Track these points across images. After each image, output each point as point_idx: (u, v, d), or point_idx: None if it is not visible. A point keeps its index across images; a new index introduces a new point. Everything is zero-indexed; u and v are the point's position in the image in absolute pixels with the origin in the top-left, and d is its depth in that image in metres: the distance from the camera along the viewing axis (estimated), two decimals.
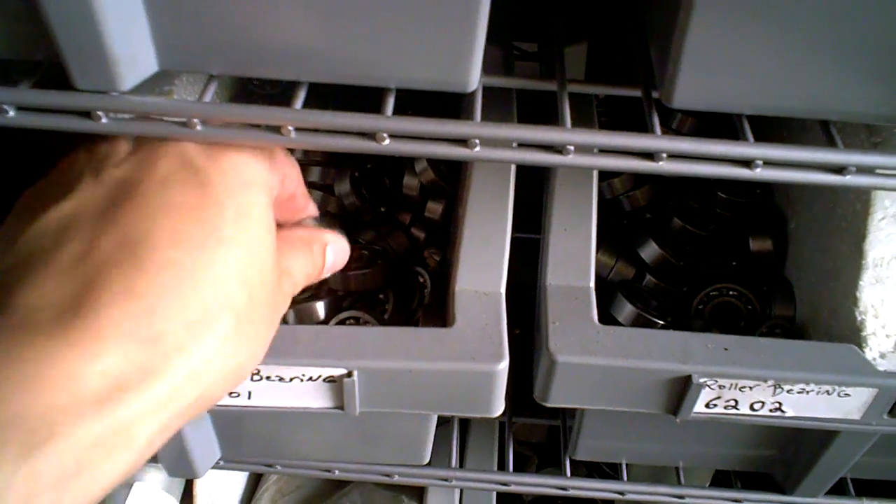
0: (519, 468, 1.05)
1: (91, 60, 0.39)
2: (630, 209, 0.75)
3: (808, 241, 0.66)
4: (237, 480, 0.89)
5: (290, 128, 0.42)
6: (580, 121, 0.56)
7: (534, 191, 0.64)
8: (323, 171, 0.71)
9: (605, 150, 0.43)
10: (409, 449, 0.65)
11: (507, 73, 0.58)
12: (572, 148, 0.42)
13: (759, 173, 0.43)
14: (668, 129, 0.74)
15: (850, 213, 0.58)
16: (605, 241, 0.71)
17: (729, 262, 0.73)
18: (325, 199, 0.70)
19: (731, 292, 0.69)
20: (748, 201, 0.72)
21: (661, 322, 0.65)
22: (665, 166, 0.43)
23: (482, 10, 0.38)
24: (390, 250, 0.66)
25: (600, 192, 0.74)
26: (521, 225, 0.65)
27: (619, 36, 0.65)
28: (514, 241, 0.56)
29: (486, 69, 0.51)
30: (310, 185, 0.71)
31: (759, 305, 0.68)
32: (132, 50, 0.40)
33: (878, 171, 0.44)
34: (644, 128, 0.44)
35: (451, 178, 0.66)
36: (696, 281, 0.71)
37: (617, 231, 0.74)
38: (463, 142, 0.43)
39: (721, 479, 0.79)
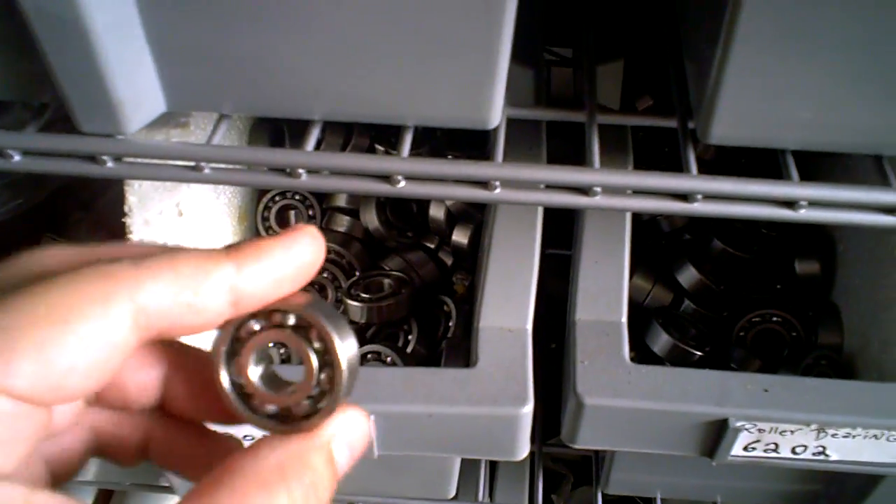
0: (554, 488, 1.03)
1: (95, 103, 0.38)
2: (668, 230, 0.71)
3: (859, 268, 0.62)
4: None
5: (301, 171, 0.40)
6: (612, 155, 0.53)
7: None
8: (350, 195, 0.69)
9: (637, 191, 0.40)
10: (434, 483, 0.63)
11: (536, 97, 0.55)
12: (599, 189, 0.39)
13: (804, 215, 0.39)
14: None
15: None
16: (642, 264, 0.68)
17: (773, 285, 0.69)
18: (351, 225, 0.68)
19: (774, 318, 0.66)
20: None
21: (699, 353, 0.62)
22: (700, 208, 0.40)
23: (502, 49, 0.36)
24: (416, 277, 0.64)
25: (637, 213, 0.71)
26: (558, 241, 0.62)
27: (656, 56, 0.62)
28: (550, 258, 0.53)
29: (514, 96, 0.49)
30: (336, 210, 0.69)
31: (804, 333, 0.65)
32: (137, 92, 0.39)
33: None
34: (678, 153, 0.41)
35: (479, 204, 0.64)
36: (738, 306, 0.68)
37: (654, 253, 0.71)
38: (483, 183, 0.40)
39: None
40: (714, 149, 0.72)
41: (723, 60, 0.36)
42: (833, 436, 0.50)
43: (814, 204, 0.39)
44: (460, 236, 0.64)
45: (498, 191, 0.40)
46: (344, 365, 0.25)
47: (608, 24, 0.62)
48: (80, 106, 0.38)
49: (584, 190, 0.40)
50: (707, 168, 0.70)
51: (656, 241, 0.72)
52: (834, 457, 0.52)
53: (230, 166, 0.41)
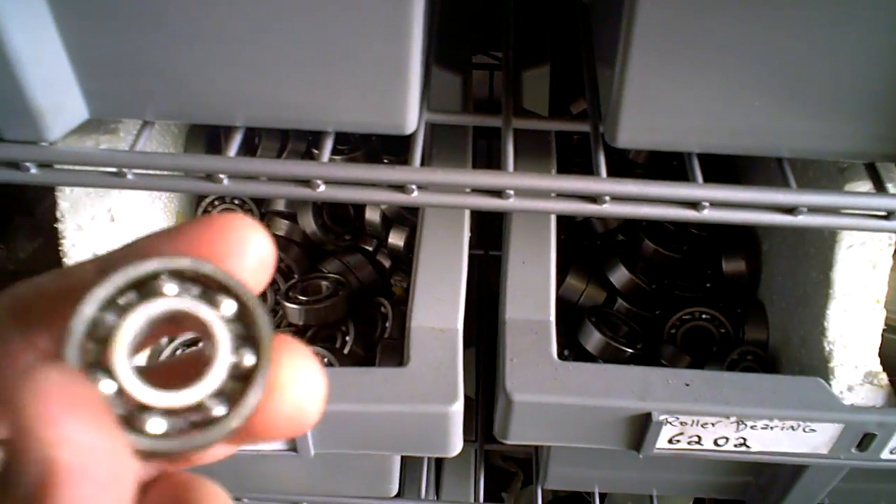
0: (503, 486, 1.05)
1: (14, 110, 0.38)
2: (602, 231, 0.73)
3: (780, 265, 0.64)
4: None
5: (223, 176, 0.41)
6: (536, 158, 0.55)
7: None
8: (287, 199, 0.69)
9: (550, 193, 0.42)
10: (376, 482, 0.64)
11: (464, 102, 0.56)
12: (512, 192, 0.41)
13: (707, 215, 0.41)
14: (626, 160, 0.73)
15: (819, 240, 0.57)
16: (576, 264, 0.70)
17: (703, 284, 0.71)
18: (290, 229, 0.68)
19: (703, 316, 0.68)
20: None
21: (630, 350, 0.64)
22: (609, 209, 0.41)
23: (412, 59, 0.37)
24: (354, 280, 0.65)
25: (569, 216, 0.72)
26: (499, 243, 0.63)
27: (577, 63, 0.64)
28: (493, 259, 0.54)
29: (441, 101, 0.50)
30: (275, 214, 0.70)
31: (732, 329, 0.67)
32: (58, 99, 0.39)
33: (835, 210, 0.42)
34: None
35: (414, 208, 0.65)
36: (669, 304, 0.69)
37: (588, 254, 0.72)
38: (401, 188, 0.41)
39: None
40: (646, 152, 0.74)
41: (623, 69, 0.37)
42: (752, 427, 0.52)
43: (716, 204, 0.41)
44: (396, 239, 0.65)
45: (415, 194, 0.41)
46: (267, 322, 0.20)
47: (532, 30, 0.63)
48: (0, 113, 0.39)
49: (499, 193, 0.42)
50: (644, 171, 0.73)
51: (590, 242, 0.74)
52: (755, 448, 0.54)
53: (155, 172, 0.42)
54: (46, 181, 0.41)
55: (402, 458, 0.69)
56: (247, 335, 0.20)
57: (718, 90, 0.39)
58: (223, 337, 0.19)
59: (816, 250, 0.57)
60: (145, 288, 0.20)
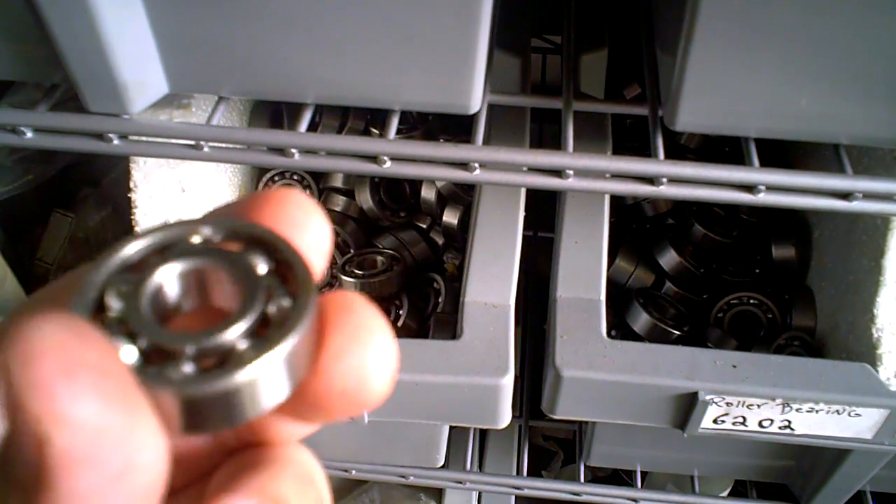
0: (544, 465, 1.06)
1: (101, 85, 0.41)
2: (652, 214, 0.74)
3: (831, 252, 0.65)
4: None
5: (294, 150, 0.43)
6: (592, 140, 0.56)
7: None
8: (345, 176, 0.71)
9: (606, 174, 0.43)
10: (423, 452, 0.66)
11: (522, 84, 0.57)
12: (572, 172, 0.42)
13: (762, 198, 0.42)
14: (678, 145, 0.73)
15: (871, 227, 0.57)
16: (626, 247, 0.71)
17: (751, 269, 0.72)
18: (346, 205, 0.71)
19: (751, 301, 0.68)
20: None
21: (677, 332, 0.65)
22: (666, 191, 0.42)
23: (480, 40, 0.38)
24: (408, 256, 0.67)
25: (622, 198, 0.73)
26: (550, 225, 0.65)
27: (635, 47, 0.65)
28: (543, 241, 0.55)
29: (500, 82, 0.51)
30: (333, 190, 0.72)
31: (779, 315, 0.67)
32: (142, 74, 0.41)
33: (889, 197, 0.43)
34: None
35: (467, 186, 0.67)
36: (717, 288, 0.70)
37: (638, 237, 0.73)
38: (464, 165, 0.43)
39: (738, 490, 0.78)
40: (700, 136, 0.74)
41: (685, 53, 0.38)
42: (797, 410, 0.53)
43: (772, 189, 0.42)
44: (450, 217, 0.67)
45: (477, 172, 0.43)
46: (307, 266, 0.17)
47: (591, 14, 0.64)
48: (87, 87, 0.41)
49: (557, 172, 0.43)
50: (696, 156, 0.73)
51: (640, 225, 0.75)
52: (799, 430, 0.55)
53: (228, 145, 0.44)
54: (129, 152, 0.44)
55: (449, 431, 0.71)
56: (286, 287, 0.18)
57: (777, 76, 0.39)
58: (258, 285, 0.17)
59: (868, 237, 0.58)
60: (177, 248, 0.18)
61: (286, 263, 0.18)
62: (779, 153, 0.71)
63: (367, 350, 0.17)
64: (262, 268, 0.18)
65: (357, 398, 0.17)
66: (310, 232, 0.19)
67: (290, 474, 0.19)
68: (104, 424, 0.14)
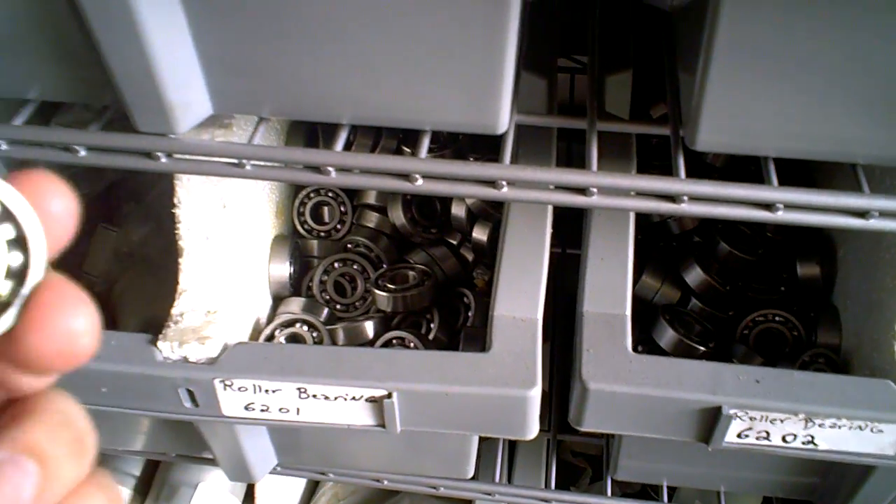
0: (573, 481, 1.07)
1: (150, 106, 0.43)
2: (678, 232, 0.75)
3: (856, 270, 0.66)
4: (296, 484, 0.93)
5: (331, 168, 0.45)
6: (616, 159, 0.58)
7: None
8: (378, 193, 0.74)
9: (630, 192, 0.45)
10: (454, 463, 0.67)
11: (549, 105, 0.59)
12: (595, 190, 0.44)
13: (781, 216, 0.44)
14: (704, 164, 0.75)
15: (894, 245, 0.58)
16: (652, 264, 0.72)
17: (777, 287, 0.73)
18: (380, 221, 0.73)
19: (776, 318, 0.69)
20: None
21: (702, 348, 0.66)
22: (686, 208, 0.44)
23: (507, 64, 0.40)
24: (439, 271, 0.69)
25: (649, 216, 0.75)
26: (578, 243, 0.67)
27: (659, 68, 0.66)
28: (571, 257, 0.57)
29: (528, 103, 0.53)
30: (366, 207, 0.74)
31: (804, 332, 0.68)
32: (188, 96, 0.44)
33: None
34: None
35: (497, 204, 0.69)
36: (743, 305, 0.71)
37: (664, 254, 0.75)
38: (492, 183, 0.45)
39: None
40: (725, 156, 0.75)
41: (704, 74, 0.40)
42: (820, 426, 0.54)
43: (790, 207, 0.43)
44: (480, 233, 0.69)
45: (504, 189, 0.45)
46: (36, 222, 0.22)
47: (616, 35, 0.66)
48: (137, 108, 0.44)
49: (582, 190, 0.45)
50: (720, 174, 0.74)
51: (667, 243, 0.76)
52: (822, 446, 0.55)
53: (268, 164, 0.47)
54: (176, 169, 0.46)
55: (479, 444, 0.72)
56: (16, 237, 0.21)
57: (795, 97, 0.41)
58: None
59: (892, 256, 0.58)
60: None
61: (12, 214, 0.21)
62: (804, 170, 0.73)
63: (75, 317, 0.22)
64: (3, 227, 0.21)
65: (68, 353, 0.21)
66: (55, 199, 0.22)
67: (43, 420, 0.22)
68: None
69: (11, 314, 0.21)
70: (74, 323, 0.22)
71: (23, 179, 0.22)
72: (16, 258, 0.21)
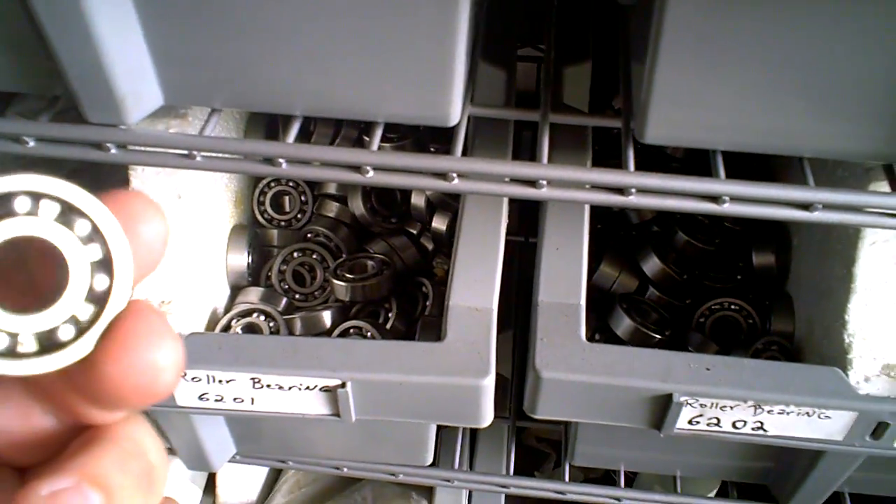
0: (537, 466, 1.08)
1: (99, 96, 0.43)
2: (638, 221, 0.76)
3: (808, 260, 0.67)
4: (258, 473, 0.93)
5: (281, 160, 0.45)
6: (572, 151, 0.58)
7: None
8: (339, 184, 0.74)
9: (582, 185, 0.45)
10: (412, 451, 0.68)
11: (507, 96, 0.60)
12: (545, 182, 0.44)
13: (727, 209, 0.44)
14: (665, 155, 0.76)
15: (844, 237, 0.59)
16: (610, 253, 0.73)
17: (733, 276, 0.74)
18: (339, 211, 0.73)
19: (732, 306, 0.70)
20: None
21: (658, 336, 0.67)
22: (635, 201, 0.44)
23: (457, 53, 0.41)
24: (398, 260, 0.69)
25: (608, 206, 0.75)
26: (534, 230, 0.67)
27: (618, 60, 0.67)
28: (531, 246, 0.57)
29: (485, 95, 0.54)
30: (326, 197, 0.74)
31: (759, 320, 0.69)
32: (138, 87, 0.44)
33: (853, 208, 0.45)
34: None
35: (456, 194, 0.69)
36: (699, 294, 0.72)
37: (623, 243, 0.75)
38: (443, 175, 0.45)
39: (720, 490, 0.80)
40: (685, 148, 0.76)
41: (651, 68, 0.41)
42: (769, 412, 0.55)
43: (736, 199, 0.44)
44: (439, 223, 0.69)
45: (455, 182, 0.45)
46: (125, 245, 0.20)
47: (575, 27, 0.66)
48: (87, 99, 0.43)
49: (533, 183, 0.45)
50: (681, 165, 0.75)
51: (625, 232, 0.77)
52: (771, 432, 0.56)
53: (220, 155, 0.46)
54: (125, 161, 0.46)
55: (438, 431, 0.73)
56: (103, 259, 0.20)
57: (742, 90, 0.41)
58: (77, 258, 0.19)
59: (841, 246, 0.59)
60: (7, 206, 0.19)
61: (102, 233, 0.20)
62: (764, 166, 0.74)
63: (158, 350, 0.20)
64: (80, 230, 0.20)
65: (146, 387, 0.20)
66: (147, 223, 0.21)
67: (113, 450, 0.21)
68: None
69: (90, 340, 0.20)
70: (157, 356, 0.20)
71: (116, 199, 0.21)
72: (101, 281, 0.20)
